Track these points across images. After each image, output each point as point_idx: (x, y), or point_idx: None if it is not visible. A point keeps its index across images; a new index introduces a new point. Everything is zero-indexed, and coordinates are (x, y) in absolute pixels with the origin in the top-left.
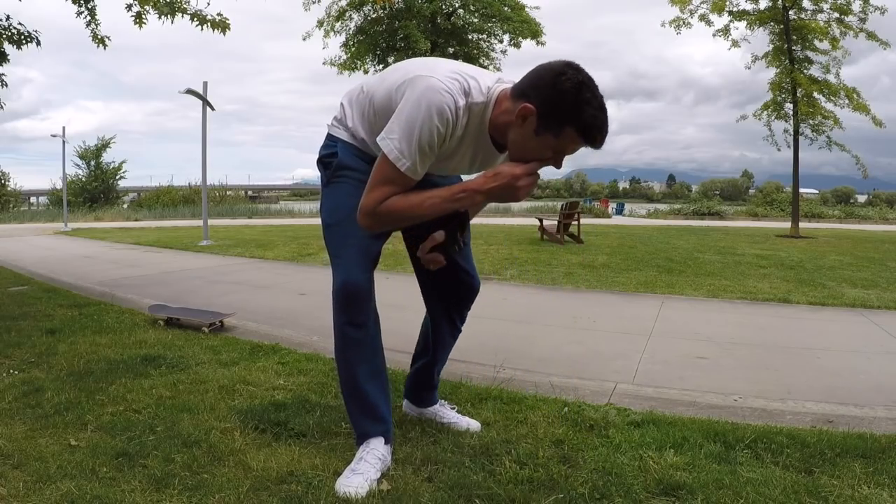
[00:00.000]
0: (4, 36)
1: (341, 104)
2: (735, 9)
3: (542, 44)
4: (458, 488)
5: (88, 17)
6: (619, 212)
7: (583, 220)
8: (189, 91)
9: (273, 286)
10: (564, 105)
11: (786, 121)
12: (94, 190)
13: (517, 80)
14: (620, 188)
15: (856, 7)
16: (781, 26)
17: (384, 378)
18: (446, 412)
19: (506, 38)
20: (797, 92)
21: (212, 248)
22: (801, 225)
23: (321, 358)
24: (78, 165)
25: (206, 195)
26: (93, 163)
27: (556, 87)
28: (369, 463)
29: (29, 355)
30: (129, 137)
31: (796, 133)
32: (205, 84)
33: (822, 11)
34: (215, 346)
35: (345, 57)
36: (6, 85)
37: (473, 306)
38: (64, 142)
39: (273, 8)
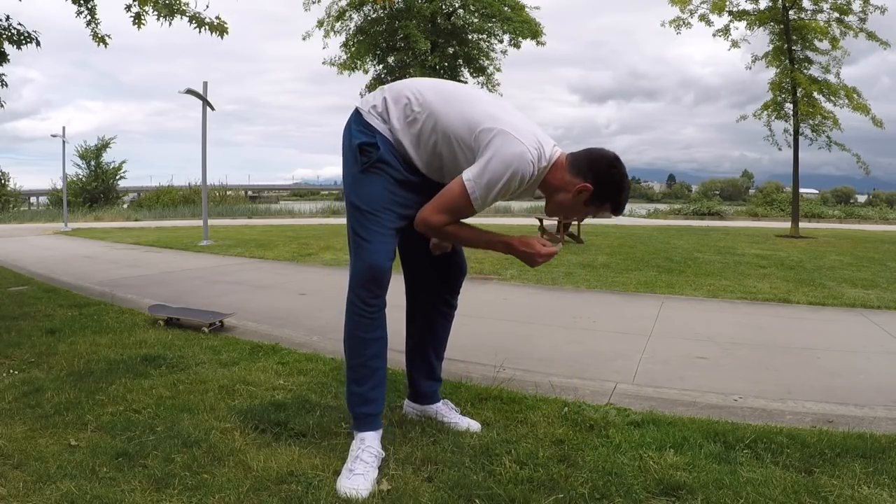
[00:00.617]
0: (4, 36)
1: (383, 98)
2: (735, 9)
3: (543, 44)
4: (458, 488)
5: (88, 17)
6: None
7: (583, 220)
8: (189, 91)
9: (273, 286)
10: (612, 189)
11: (786, 121)
12: (94, 190)
13: (573, 150)
14: None
15: (856, 7)
16: (781, 26)
17: (385, 364)
18: (448, 412)
19: (506, 38)
20: (797, 92)
21: (212, 248)
22: (801, 225)
23: (321, 358)
24: (78, 165)
25: (206, 195)
26: (93, 163)
27: (609, 176)
28: (367, 462)
29: (29, 355)
30: (129, 137)
31: (796, 133)
32: (205, 84)
33: (822, 11)
34: (215, 346)
35: (345, 57)
36: (6, 85)
37: (473, 306)
38: (64, 142)
39: (273, 8)
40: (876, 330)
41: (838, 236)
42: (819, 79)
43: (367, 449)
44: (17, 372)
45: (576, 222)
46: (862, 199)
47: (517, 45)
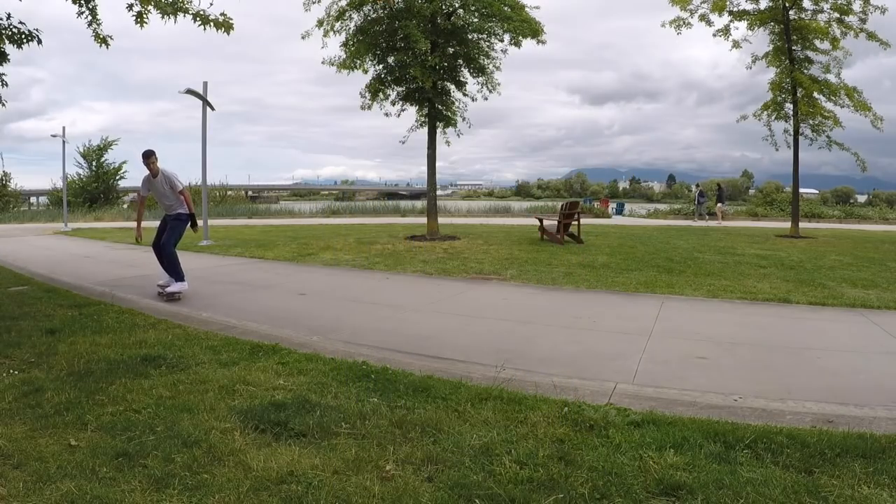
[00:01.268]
0: (5, 35)
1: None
2: (735, 8)
3: (543, 42)
4: (458, 488)
5: (90, 17)
6: (619, 212)
7: (583, 220)
8: (189, 91)
9: (273, 286)
10: None
11: (786, 121)
12: (94, 190)
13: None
14: (620, 188)
15: (856, 7)
16: (782, 26)
17: None
18: None
19: (506, 37)
20: (797, 92)
21: (212, 248)
22: (801, 225)
23: (321, 358)
24: (79, 165)
25: (207, 195)
26: (94, 163)
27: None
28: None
29: (29, 355)
30: (134, 137)
31: (796, 133)
32: (205, 84)
33: (822, 11)
34: (215, 346)
35: (344, 56)
36: (6, 84)
37: (473, 306)
38: (64, 142)
39: (283, 11)
40: (876, 330)
41: (838, 236)
42: (819, 79)
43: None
44: (17, 372)
45: (575, 222)
46: (862, 199)
47: (518, 45)
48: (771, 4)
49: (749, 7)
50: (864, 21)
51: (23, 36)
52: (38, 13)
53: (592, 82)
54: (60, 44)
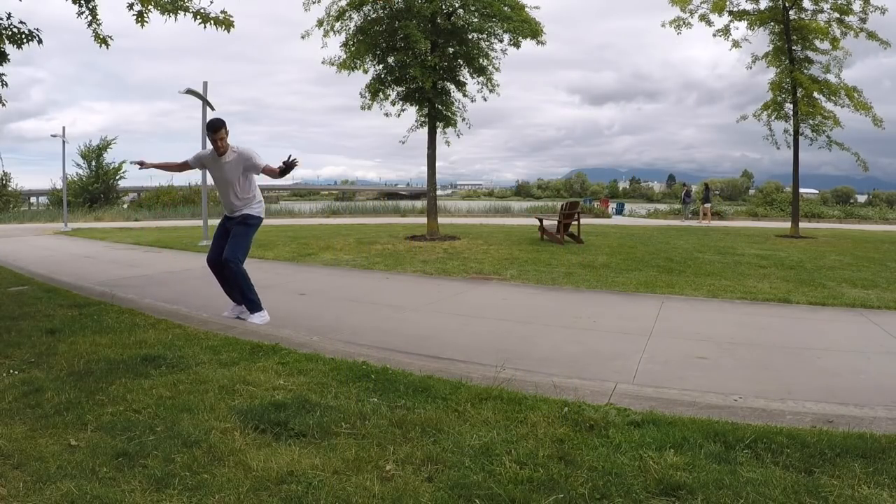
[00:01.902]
0: (5, 35)
1: None
2: (735, 8)
3: (543, 43)
4: (458, 488)
5: (90, 17)
6: (619, 212)
7: (583, 220)
8: (189, 91)
9: (273, 286)
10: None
11: (786, 121)
12: (94, 190)
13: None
14: (620, 188)
15: (856, 7)
16: (782, 26)
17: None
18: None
19: (506, 37)
20: (797, 92)
21: None
22: (801, 225)
23: (321, 358)
24: (79, 165)
25: (207, 195)
26: (94, 163)
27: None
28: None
29: (29, 355)
30: (134, 137)
31: (796, 133)
32: (205, 84)
33: (822, 11)
34: (215, 346)
35: (344, 56)
36: (6, 85)
37: (473, 306)
38: (64, 142)
39: (283, 11)
40: (876, 330)
41: (838, 236)
42: (819, 79)
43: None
44: (17, 372)
45: (575, 223)
46: (862, 199)
47: (517, 45)
48: (771, 4)
49: (749, 7)
50: (864, 21)
51: (23, 36)
52: (38, 13)
53: (592, 82)
54: (60, 44)
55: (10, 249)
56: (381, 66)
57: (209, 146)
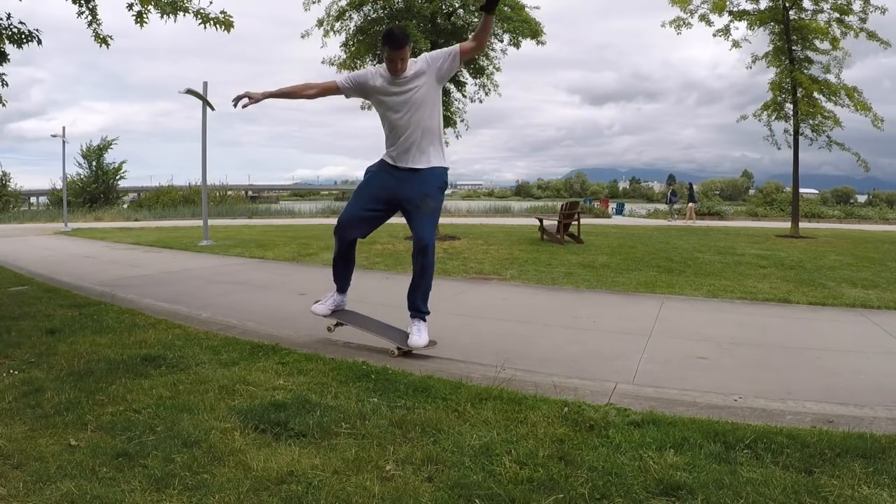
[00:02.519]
0: (5, 35)
1: None
2: (735, 9)
3: (543, 43)
4: (458, 488)
5: (90, 17)
6: (619, 212)
7: (583, 220)
8: (189, 91)
9: (273, 286)
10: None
11: (786, 121)
12: (95, 190)
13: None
14: (620, 188)
15: (856, 7)
16: (782, 26)
17: None
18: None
19: (506, 37)
20: (797, 92)
21: (212, 248)
22: (801, 225)
23: (321, 358)
24: (80, 164)
25: (206, 195)
26: (94, 163)
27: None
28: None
29: (29, 355)
30: (133, 137)
31: (796, 133)
32: (205, 84)
33: (822, 11)
34: (215, 346)
35: (344, 56)
36: (6, 84)
37: (473, 306)
38: (64, 142)
39: (283, 11)
40: (876, 330)
41: (838, 236)
42: (819, 79)
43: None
44: (17, 372)
45: (575, 223)
46: (862, 199)
47: (517, 45)
48: (771, 4)
49: (749, 7)
50: (864, 21)
51: (23, 36)
52: (38, 13)
53: (592, 82)
54: (60, 44)
55: (10, 249)
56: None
57: (372, 67)
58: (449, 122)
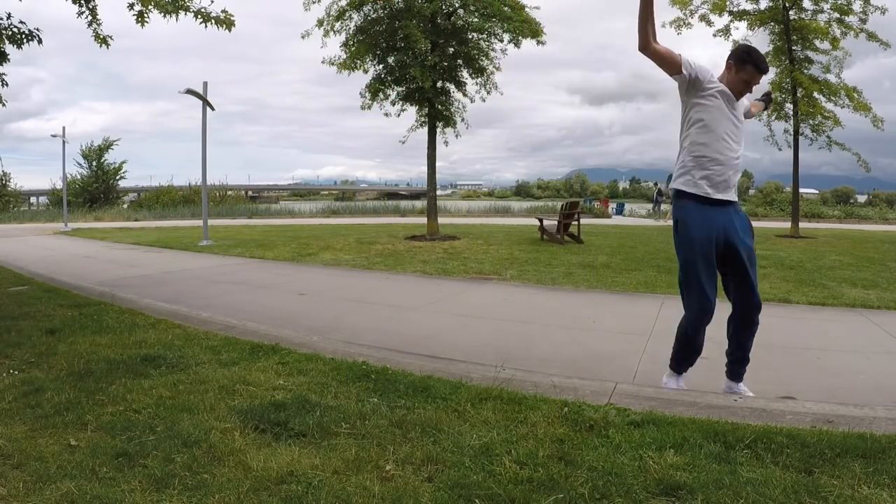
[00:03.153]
0: (5, 35)
1: None
2: (735, 9)
3: (543, 43)
4: (458, 488)
5: (90, 17)
6: (619, 212)
7: (583, 220)
8: (189, 91)
9: (273, 286)
10: (741, 53)
11: (786, 121)
12: (95, 190)
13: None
14: (620, 188)
15: (856, 7)
16: (782, 26)
17: None
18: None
19: (506, 37)
20: (797, 92)
21: (212, 248)
22: (801, 225)
23: (321, 358)
24: (80, 164)
25: (206, 195)
26: (94, 163)
27: (737, 50)
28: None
29: (29, 355)
30: (134, 137)
31: (796, 133)
32: (204, 84)
33: (822, 11)
34: (215, 346)
35: (344, 56)
36: (6, 84)
37: (473, 306)
38: (64, 142)
39: (283, 11)
40: (876, 330)
41: (838, 236)
42: (819, 79)
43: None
44: (17, 372)
45: (575, 223)
46: (862, 199)
47: (517, 45)
48: (771, 4)
49: (749, 7)
50: (864, 21)
51: (23, 36)
52: (38, 13)
53: (592, 82)
54: (60, 44)
55: (10, 249)
56: (381, 66)
57: (711, 69)
58: (449, 121)
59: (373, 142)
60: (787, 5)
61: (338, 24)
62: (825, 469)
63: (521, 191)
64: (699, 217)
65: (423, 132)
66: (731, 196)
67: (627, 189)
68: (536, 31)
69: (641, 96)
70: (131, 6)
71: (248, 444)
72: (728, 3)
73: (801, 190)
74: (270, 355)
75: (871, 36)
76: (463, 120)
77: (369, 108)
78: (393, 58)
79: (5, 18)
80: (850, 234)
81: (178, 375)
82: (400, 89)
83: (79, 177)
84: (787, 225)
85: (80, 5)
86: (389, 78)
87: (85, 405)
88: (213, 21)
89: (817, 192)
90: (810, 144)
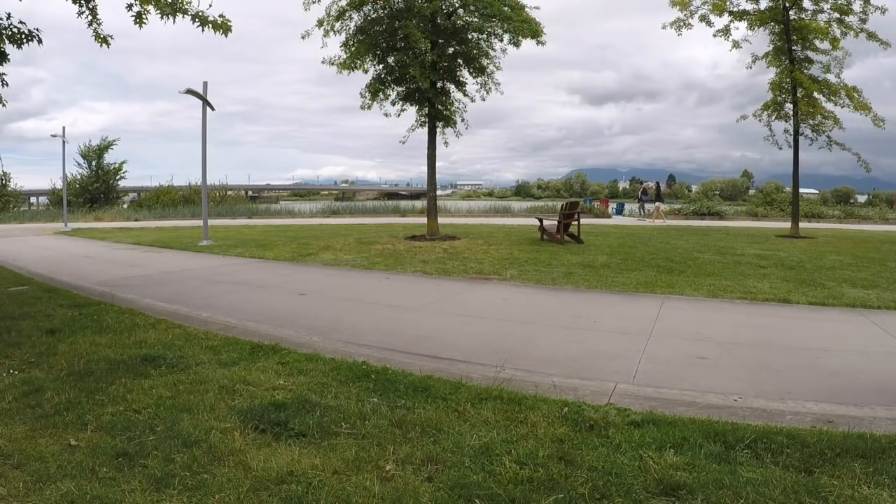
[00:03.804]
0: (5, 35)
1: None
2: (735, 9)
3: (542, 43)
4: (458, 488)
5: (90, 17)
6: (619, 212)
7: (583, 220)
8: (189, 91)
9: (273, 286)
10: None
11: (786, 121)
12: (95, 190)
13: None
14: (620, 188)
15: (856, 7)
16: (782, 26)
17: None
18: None
19: (506, 37)
20: (797, 92)
21: (212, 248)
22: (801, 225)
23: (321, 358)
24: (80, 164)
25: (206, 195)
26: (94, 163)
27: None
28: None
29: (29, 355)
30: (134, 137)
31: (796, 133)
32: (205, 84)
33: (822, 11)
34: (215, 346)
35: (344, 56)
36: (6, 84)
37: (473, 306)
38: (64, 142)
39: (283, 11)
40: (876, 330)
41: (838, 236)
42: (819, 79)
43: None
44: (17, 372)
45: (575, 223)
46: (862, 199)
47: (517, 45)
48: (771, 4)
49: (749, 7)
50: (864, 21)
51: (23, 36)
52: (38, 13)
53: (592, 82)
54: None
55: (11, 249)
56: (381, 66)
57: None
58: (449, 121)
59: (373, 142)
60: (787, 5)
61: (338, 24)
62: (825, 469)
63: (521, 191)
64: None
65: (423, 132)
66: None
67: (627, 189)
68: (536, 31)
69: (641, 96)
70: (130, 6)
71: (248, 444)
72: (728, 3)
73: (802, 190)
74: (270, 355)
75: (871, 36)
76: (463, 120)
77: (369, 108)
78: (393, 58)
79: (5, 18)
80: (850, 234)
81: (178, 375)
82: (400, 89)
83: (79, 177)
84: (788, 225)
85: (80, 5)
86: (389, 78)
87: (85, 405)
88: (210, 25)
89: (817, 192)
90: (810, 144)
